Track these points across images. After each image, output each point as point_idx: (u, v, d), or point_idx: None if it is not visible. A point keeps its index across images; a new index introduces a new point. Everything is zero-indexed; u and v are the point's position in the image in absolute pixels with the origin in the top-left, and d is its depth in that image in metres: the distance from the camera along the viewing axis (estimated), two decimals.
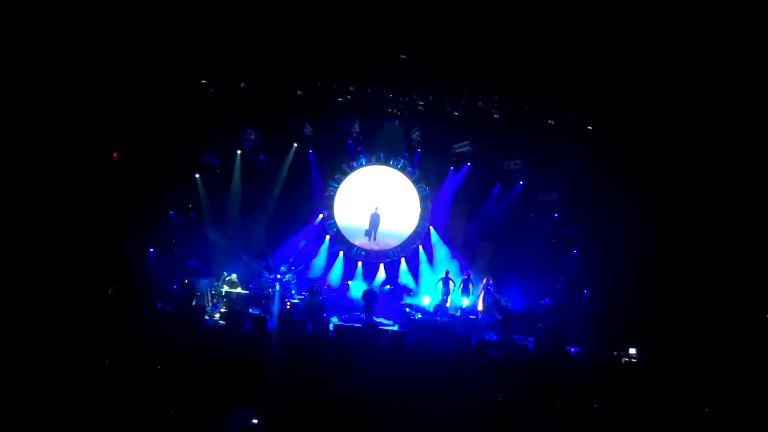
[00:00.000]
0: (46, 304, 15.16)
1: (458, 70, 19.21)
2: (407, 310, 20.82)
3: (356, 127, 23.02)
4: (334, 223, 23.60)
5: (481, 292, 22.62)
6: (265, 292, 20.45)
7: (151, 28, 17.42)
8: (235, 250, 21.94)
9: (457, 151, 23.44)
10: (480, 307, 22.40)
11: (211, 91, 20.36)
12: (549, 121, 21.31)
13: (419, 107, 21.71)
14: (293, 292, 20.94)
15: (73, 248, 17.79)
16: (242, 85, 20.50)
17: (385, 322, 20.95)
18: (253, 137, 22.43)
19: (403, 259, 23.74)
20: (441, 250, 23.78)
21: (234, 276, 20.22)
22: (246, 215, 22.56)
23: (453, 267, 22.86)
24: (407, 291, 22.51)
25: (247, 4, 16.94)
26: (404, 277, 23.66)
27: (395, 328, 20.35)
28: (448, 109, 21.61)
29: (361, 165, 23.72)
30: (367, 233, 23.65)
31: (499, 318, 20.13)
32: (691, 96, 18.15)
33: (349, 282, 23.06)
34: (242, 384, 13.51)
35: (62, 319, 14.67)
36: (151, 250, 20.68)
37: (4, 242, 16.22)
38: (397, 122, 22.63)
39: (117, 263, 18.93)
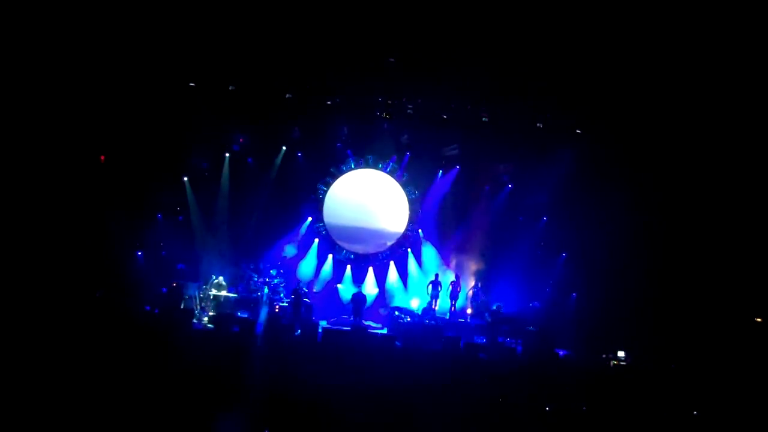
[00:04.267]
0: (33, 307, 15.07)
1: (447, 73, 19.22)
2: (396, 313, 20.82)
3: (345, 131, 23.00)
4: (323, 225, 23.55)
5: (469, 295, 22.65)
6: (254, 295, 20.41)
7: (141, 32, 17.38)
8: (224, 253, 21.88)
9: (446, 154, 23.46)
10: (469, 310, 22.43)
11: (200, 94, 20.30)
12: (537, 125, 21.34)
13: (408, 110, 21.68)
14: (282, 295, 20.91)
15: (60, 251, 17.72)
16: (231, 88, 20.45)
17: (374, 325, 20.95)
18: (241, 140, 22.40)
19: (392, 262, 23.71)
20: (430, 253, 23.78)
21: (221, 278, 20.18)
22: (235, 218, 22.47)
23: (442, 270, 22.87)
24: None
25: (235, 8, 16.91)
26: (392, 280, 23.69)
27: (384, 331, 20.36)
28: (436, 112, 21.62)
29: (350, 168, 23.68)
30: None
31: (489, 320, 20.15)
32: (680, 99, 18.23)
33: (338, 285, 23.01)
34: (231, 387, 13.47)
35: (49, 322, 14.58)
36: (139, 253, 20.61)
37: None
38: (386, 126, 22.58)
39: (105, 266, 18.83)
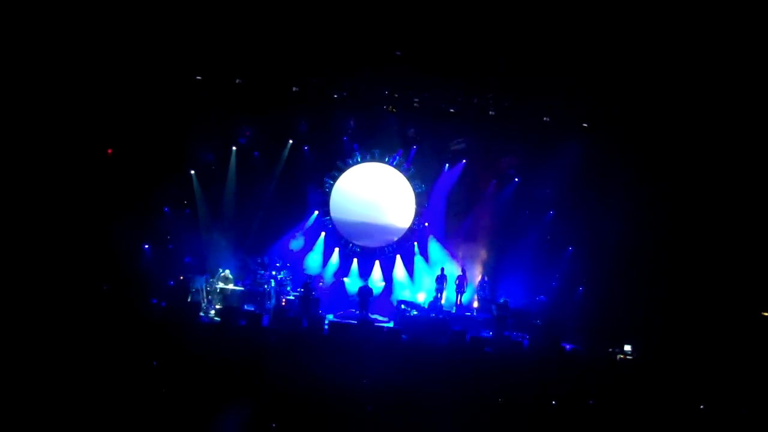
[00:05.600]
0: (39, 301, 15.11)
1: (454, 67, 19.17)
2: (402, 307, 20.84)
3: (351, 124, 23.00)
4: (330, 219, 23.57)
5: (476, 289, 22.64)
6: (261, 288, 20.45)
7: (147, 25, 17.37)
8: (230, 246, 21.93)
9: (453, 148, 23.45)
10: (475, 304, 22.43)
11: (207, 87, 20.31)
12: (544, 119, 21.29)
13: (415, 104, 21.66)
14: (288, 288, 20.94)
15: (67, 244, 17.77)
16: (237, 81, 20.45)
17: (381, 318, 20.97)
18: (248, 133, 22.42)
19: (398, 256, 23.74)
20: (436, 247, 23.78)
21: (228, 272, 20.23)
22: (241, 211, 22.54)
23: (448, 264, 22.86)
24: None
25: (241, 1, 16.88)
26: (399, 273, 23.71)
27: (390, 324, 20.38)
28: (443, 106, 21.58)
29: (357, 162, 23.70)
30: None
31: (495, 313, 20.15)
32: (687, 92, 18.15)
33: (345, 279, 23.04)
34: (237, 380, 13.50)
35: (56, 316, 14.62)
36: (146, 246, 20.68)
37: None
38: (392, 119, 22.58)
39: (112, 259, 18.88)
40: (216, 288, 19.79)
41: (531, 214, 23.52)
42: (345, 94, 21.28)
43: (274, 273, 20.85)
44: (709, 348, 17.72)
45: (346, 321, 19.68)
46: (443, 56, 18.53)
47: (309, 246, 23.23)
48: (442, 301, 21.73)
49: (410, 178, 23.85)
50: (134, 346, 14.13)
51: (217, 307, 19.20)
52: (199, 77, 20.17)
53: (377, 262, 23.58)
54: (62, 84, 17.67)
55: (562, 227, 22.91)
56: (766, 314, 19.06)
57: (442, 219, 23.88)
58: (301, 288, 19.97)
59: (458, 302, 22.19)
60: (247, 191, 22.57)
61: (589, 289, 21.82)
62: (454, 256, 23.50)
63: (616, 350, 18.48)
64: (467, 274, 22.63)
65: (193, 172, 21.88)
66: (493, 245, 23.36)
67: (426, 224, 23.92)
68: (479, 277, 22.84)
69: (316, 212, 23.41)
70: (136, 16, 16.97)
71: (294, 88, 20.86)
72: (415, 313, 20.52)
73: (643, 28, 16.17)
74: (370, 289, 20.79)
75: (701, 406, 14.78)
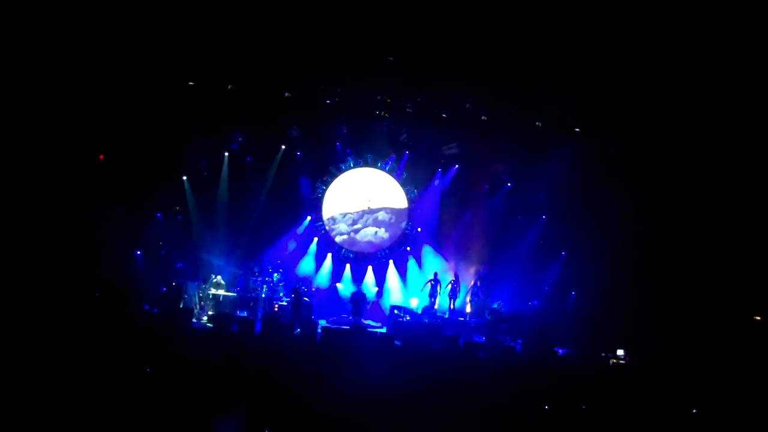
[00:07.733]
0: (32, 307, 15.06)
1: (446, 72, 19.20)
2: (395, 312, 20.81)
3: (344, 129, 23.00)
4: (322, 224, 23.56)
5: (469, 294, 22.64)
6: (253, 294, 20.41)
7: (139, 31, 17.35)
8: (223, 252, 21.88)
9: (445, 153, 23.46)
10: (468, 309, 22.43)
11: (199, 93, 20.29)
12: (537, 123, 21.33)
13: (407, 109, 21.69)
14: (281, 294, 20.90)
15: (59, 250, 17.70)
16: (229, 87, 20.44)
17: (373, 324, 20.96)
18: (240, 139, 22.39)
19: (391, 261, 23.72)
20: (429, 252, 23.78)
21: (220, 277, 20.18)
22: (233, 217, 22.46)
23: (441, 269, 22.85)
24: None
25: (234, 6, 16.88)
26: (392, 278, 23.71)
27: (383, 330, 20.35)
28: (436, 111, 21.61)
29: (349, 167, 23.69)
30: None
31: (489, 319, 20.15)
32: (679, 97, 18.21)
33: (337, 284, 23.01)
34: (230, 386, 13.48)
35: (48, 322, 14.57)
36: (138, 252, 20.61)
37: None
38: (385, 124, 22.61)
39: (104, 265, 18.81)
40: (208, 294, 19.73)
41: (524, 219, 23.52)
42: (337, 99, 21.27)
43: (267, 279, 20.82)
44: (702, 352, 17.77)
45: (339, 327, 19.64)
46: (435, 61, 18.55)
47: (302, 251, 23.19)
48: (435, 306, 21.71)
49: (403, 183, 23.85)
50: (126, 352, 14.10)
51: (210, 313, 19.17)
52: (191, 83, 20.14)
53: (370, 268, 23.55)
54: (54, 90, 17.62)
55: (555, 232, 22.95)
56: (757, 318, 19.11)
57: (435, 224, 23.86)
58: (292, 293, 19.91)
59: (451, 307, 22.15)
60: (240, 197, 22.49)
61: (581, 293, 21.83)
62: (446, 260, 23.51)
63: (609, 354, 18.50)
64: (459, 278, 22.63)
65: (185, 178, 21.80)
66: (486, 250, 23.36)
67: (419, 229, 23.91)
68: (472, 282, 22.83)
69: (309, 217, 23.38)
70: (128, 21, 16.94)
71: (286, 94, 20.85)
72: (408, 318, 20.49)
73: (635, 35, 16.25)
74: (363, 295, 20.78)
75: (694, 410, 14.82)
